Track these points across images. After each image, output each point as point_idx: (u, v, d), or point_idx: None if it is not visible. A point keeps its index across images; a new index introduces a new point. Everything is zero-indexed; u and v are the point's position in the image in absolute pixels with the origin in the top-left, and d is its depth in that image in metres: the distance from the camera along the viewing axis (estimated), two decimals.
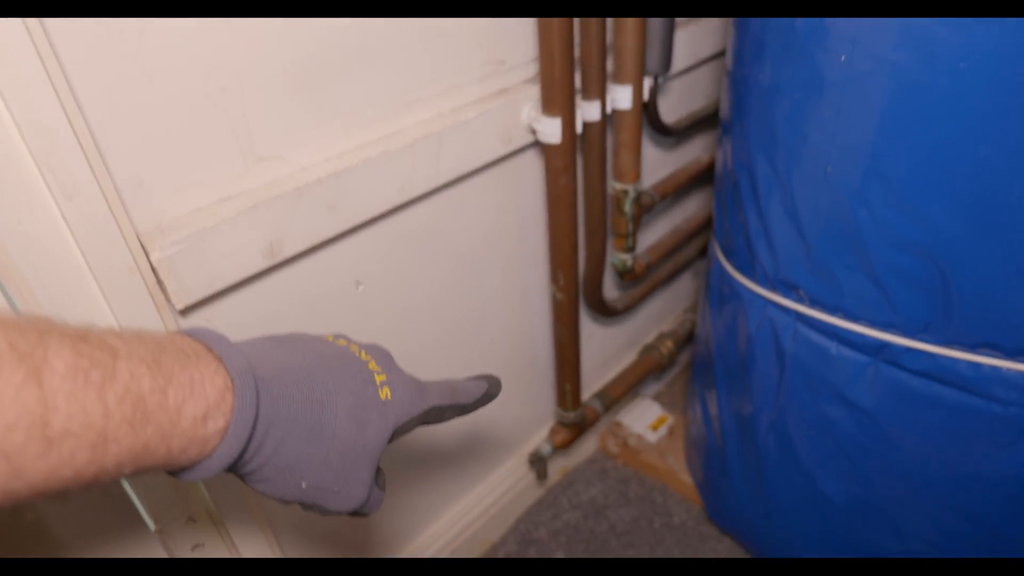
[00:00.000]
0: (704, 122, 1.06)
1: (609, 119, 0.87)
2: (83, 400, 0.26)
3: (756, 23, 0.69)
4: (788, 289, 0.75)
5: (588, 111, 0.79)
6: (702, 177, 1.08)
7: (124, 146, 0.52)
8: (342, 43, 0.62)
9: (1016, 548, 0.72)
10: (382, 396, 0.40)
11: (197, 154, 0.56)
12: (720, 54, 1.06)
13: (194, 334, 0.34)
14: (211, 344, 0.34)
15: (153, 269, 0.54)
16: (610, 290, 1.10)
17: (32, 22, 0.43)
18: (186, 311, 0.60)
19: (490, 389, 0.48)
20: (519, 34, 0.78)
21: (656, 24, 0.83)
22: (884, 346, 0.68)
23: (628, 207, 0.91)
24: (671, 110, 1.04)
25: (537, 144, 0.84)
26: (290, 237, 0.62)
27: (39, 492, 0.26)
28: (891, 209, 0.61)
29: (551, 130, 0.75)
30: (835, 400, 0.75)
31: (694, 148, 1.15)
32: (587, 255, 0.93)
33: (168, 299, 0.56)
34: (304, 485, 0.37)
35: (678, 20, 0.96)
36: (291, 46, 0.59)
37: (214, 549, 0.68)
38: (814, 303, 0.73)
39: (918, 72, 0.54)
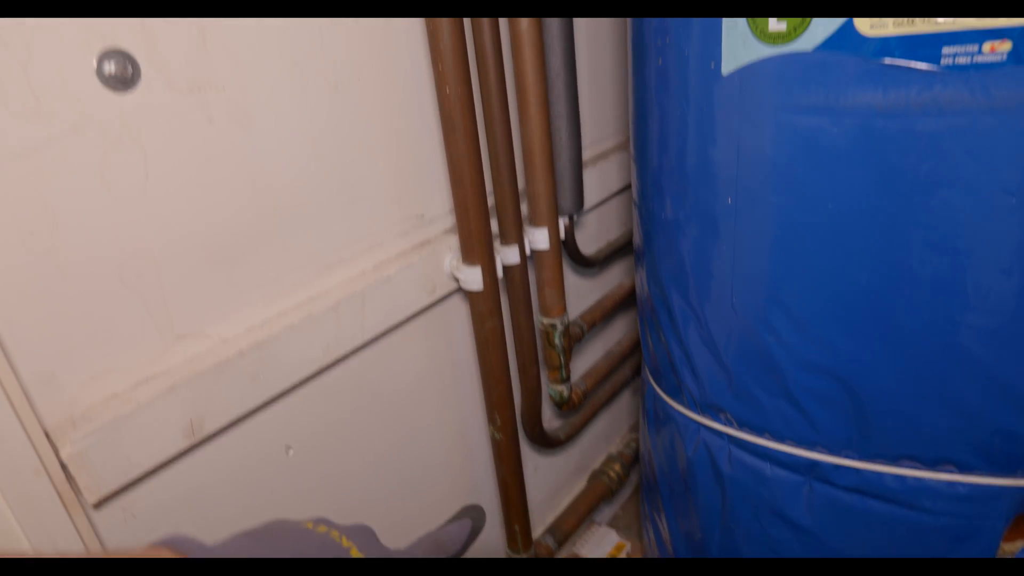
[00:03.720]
0: (623, 249, 1.11)
1: (530, 259, 0.90)
2: None
3: (654, 162, 0.74)
4: (716, 413, 0.77)
5: (508, 255, 0.83)
6: (627, 300, 1.12)
7: (34, 343, 0.51)
8: (259, 214, 0.64)
9: None
10: None
11: (112, 340, 0.56)
12: (629, 186, 1.13)
13: (170, 543, 0.33)
14: (188, 553, 0.32)
15: (63, 466, 0.52)
16: (550, 420, 1.10)
17: None
18: (100, 503, 0.57)
19: (474, 524, 0.47)
20: (436, 188, 0.82)
21: (565, 169, 0.89)
22: (814, 464, 0.70)
23: (558, 340, 0.93)
24: (589, 241, 1.09)
25: (461, 289, 0.86)
26: (212, 413, 0.61)
27: None
28: (795, 335, 0.64)
29: (473, 278, 0.77)
30: (777, 521, 0.75)
31: (617, 273, 1.20)
32: (522, 391, 0.93)
33: (79, 495, 0.53)
34: None
35: (585, 159, 1.03)
36: (208, 223, 0.60)
37: None
38: (742, 425, 0.74)
39: (795, 212, 0.59)
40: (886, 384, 0.62)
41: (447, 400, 0.91)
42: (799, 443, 0.70)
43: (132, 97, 0.53)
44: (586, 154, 1.04)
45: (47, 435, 0.52)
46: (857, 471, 0.67)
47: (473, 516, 0.47)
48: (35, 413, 0.51)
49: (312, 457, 0.75)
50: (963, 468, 0.63)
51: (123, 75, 0.52)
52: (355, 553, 0.40)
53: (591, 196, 1.02)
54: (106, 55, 0.51)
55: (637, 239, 0.86)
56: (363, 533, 0.43)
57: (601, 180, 1.06)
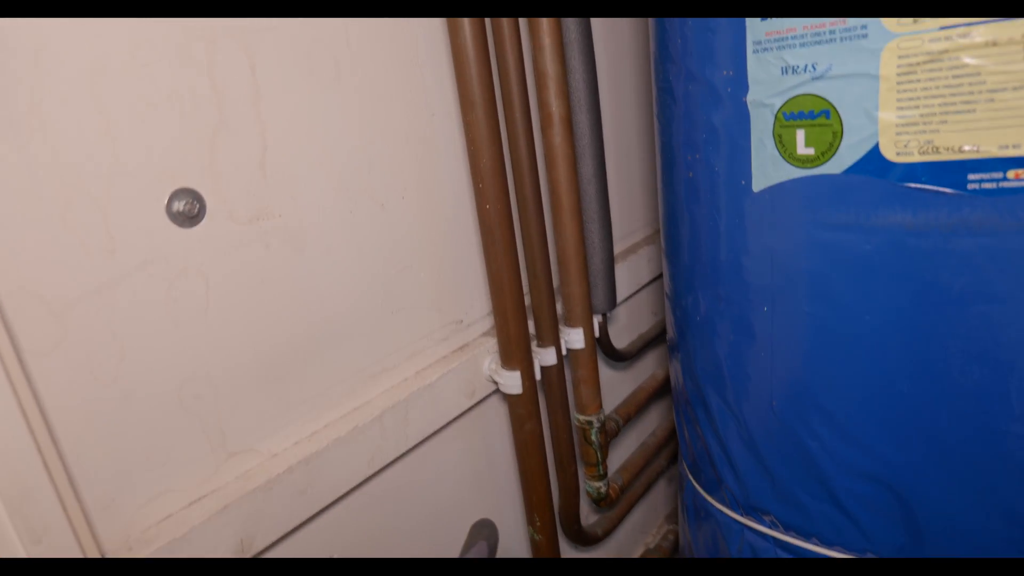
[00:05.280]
0: (654, 340, 1.12)
1: (565, 357, 0.91)
2: None
3: (686, 263, 0.75)
4: (760, 514, 0.76)
5: (545, 357, 0.84)
6: (661, 390, 1.13)
7: (97, 470, 0.53)
8: (308, 331, 0.66)
9: None
10: None
11: (169, 462, 0.57)
12: (659, 276, 1.15)
13: None
14: None
15: None
16: (587, 515, 1.09)
17: (13, 365, 0.46)
18: None
19: (489, 543, 0.46)
20: (474, 293, 0.84)
21: (598, 270, 0.91)
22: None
23: (594, 437, 0.93)
24: (621, 333, 1.10)
25: (499, 391, 0.87)
26: (261, 530, 0.61)
27: None
28: (839, 441, 0.64)
29: (512, 382, 0.79)
30: None
31: (649, 364, 1.21)
32: (560, 490, 0.93)
33: None
34: None
35: (616, 253, 1.06)
36: (261, 342, 0.62)
37: None
38: (788, 529, 0.73)
39: (832, 322, 0.61)
40: (935, 492, 0.61)
41: (486, 502, 0.90)
42: (849, 549, 0.69)
43: (197, 231, 0.57)
44: (616, 248, 1.07)
45: None
46: None
47: (486, 535, 0.47)
48: (95, 540, 0.52)
49: None
50: None
51: (190, 212, 0.56)
52: None
53: (622, 290, 1.04)
54: (176, 195, 0.55)
55: (671, 333, 0.87)
56: None
57: (631, 274, 1.08)
